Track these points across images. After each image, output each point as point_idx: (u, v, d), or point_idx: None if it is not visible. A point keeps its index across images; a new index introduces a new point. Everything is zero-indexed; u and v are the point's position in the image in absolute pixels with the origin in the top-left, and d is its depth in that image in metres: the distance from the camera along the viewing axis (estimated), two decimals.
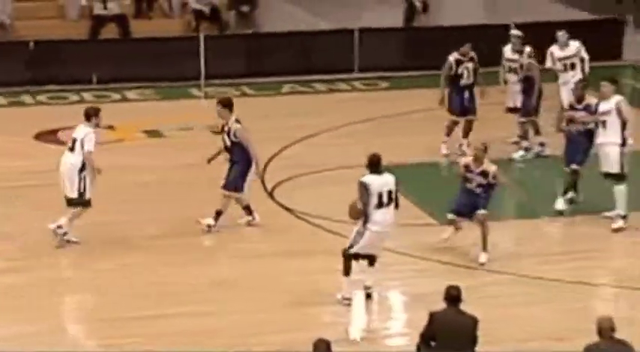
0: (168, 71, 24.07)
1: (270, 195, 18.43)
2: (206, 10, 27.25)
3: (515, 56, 20.53)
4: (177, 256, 16.31)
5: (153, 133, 21.33)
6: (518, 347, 13.65)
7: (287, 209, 17.97)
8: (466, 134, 20.27)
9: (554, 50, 20.80)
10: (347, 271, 14.83)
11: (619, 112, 17.08)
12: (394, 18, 27.56)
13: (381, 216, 14.62)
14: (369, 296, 14.96)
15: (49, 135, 21.33)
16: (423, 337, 11.89)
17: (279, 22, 27.97)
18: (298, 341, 11.51)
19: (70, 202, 16.29)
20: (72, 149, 16.30)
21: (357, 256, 14.84)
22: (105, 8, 26.58)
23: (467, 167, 16.03)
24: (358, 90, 24.52)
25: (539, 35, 21.39)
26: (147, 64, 24.10)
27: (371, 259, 14.93)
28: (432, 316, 11.89)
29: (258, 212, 17.50)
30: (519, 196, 17.01)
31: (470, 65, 20.25)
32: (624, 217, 17.17)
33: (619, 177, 17.16)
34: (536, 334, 14.01)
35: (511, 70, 20.56)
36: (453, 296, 11.90)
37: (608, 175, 17.25)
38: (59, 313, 15.06)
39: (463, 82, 20.26)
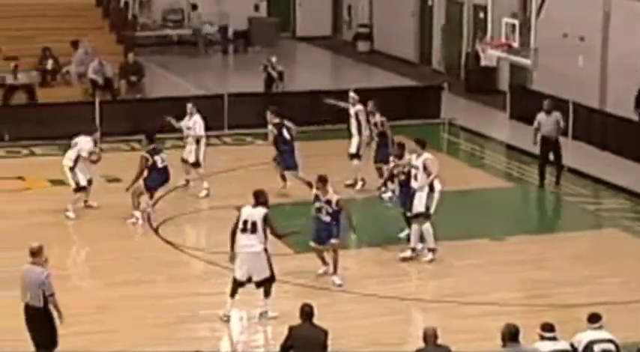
0: (69, 130, 23.67)
1: (156, 231, 18.22)
2: (100, 80, 27.04)
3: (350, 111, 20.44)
4: (66, 283, 15.59)
5: (57, 182, 20.92)
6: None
7: (169, 243, 17.75)
8: None
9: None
10: (232, 293, 14.58)
11: (425, 166, 16.63)
12: (256, 85, 27.70)
13: (242, 241, 14.40)
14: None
15: None
16: (282, 347, 11.86)
17: (162, 89, 27.86)
18: None
19: None
20: None
21: (242, 282, 14.45)
22: (15, 79, 26.33)
23: (316, 197, 15.62)
24: (228, 144, 24.50)
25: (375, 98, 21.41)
26: (51, 124, 23.72)
27: (257, 284, 14.52)
28: (290, 330, 11.87)
29: (145, 247, 17.26)
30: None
31: None
32: (433, 250, 16.78)
33: (426, 216, 16.70)
34: (374, 342, 14.03)
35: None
36: (306, 312, 11.89)
37: (417, 215, 16.76)
38: None
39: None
